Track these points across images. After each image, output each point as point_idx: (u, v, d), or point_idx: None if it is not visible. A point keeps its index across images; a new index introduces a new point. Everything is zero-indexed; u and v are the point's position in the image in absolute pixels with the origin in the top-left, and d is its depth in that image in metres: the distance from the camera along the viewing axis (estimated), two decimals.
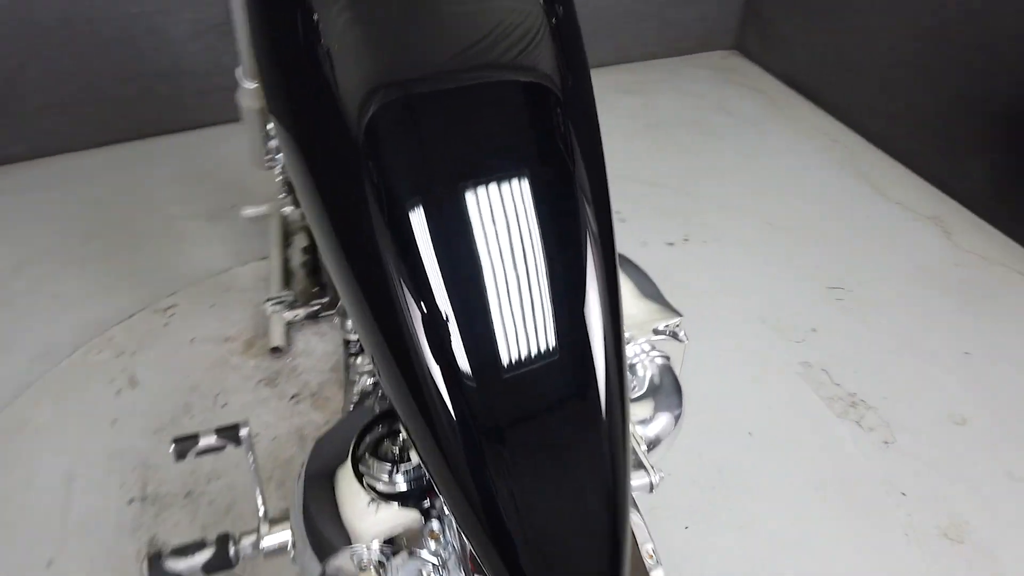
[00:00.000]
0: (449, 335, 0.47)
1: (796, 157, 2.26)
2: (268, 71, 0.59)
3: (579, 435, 0.49)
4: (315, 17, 0.55)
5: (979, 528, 1.29)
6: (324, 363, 1.53)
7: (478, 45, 0.54)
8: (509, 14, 0.56)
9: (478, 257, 0.49)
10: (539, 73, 0.55)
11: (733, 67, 2.75)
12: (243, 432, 0.65)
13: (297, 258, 1.74)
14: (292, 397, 1.45)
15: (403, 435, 0.63)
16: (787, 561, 1.23)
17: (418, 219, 0.49)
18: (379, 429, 0.64)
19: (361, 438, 0.63)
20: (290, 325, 1.58)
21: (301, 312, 1.57)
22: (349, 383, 0.84)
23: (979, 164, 1.98)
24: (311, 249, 1.73)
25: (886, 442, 1.44)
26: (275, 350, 1.52)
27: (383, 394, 0.70)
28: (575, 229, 0.52)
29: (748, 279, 1.81)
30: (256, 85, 1.10)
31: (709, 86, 2.64)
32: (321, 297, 1.60)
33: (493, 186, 0.50)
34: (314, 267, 1.69)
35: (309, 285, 1.67)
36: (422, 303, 0.48)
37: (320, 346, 1.56)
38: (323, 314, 1.60)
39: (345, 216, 0.52)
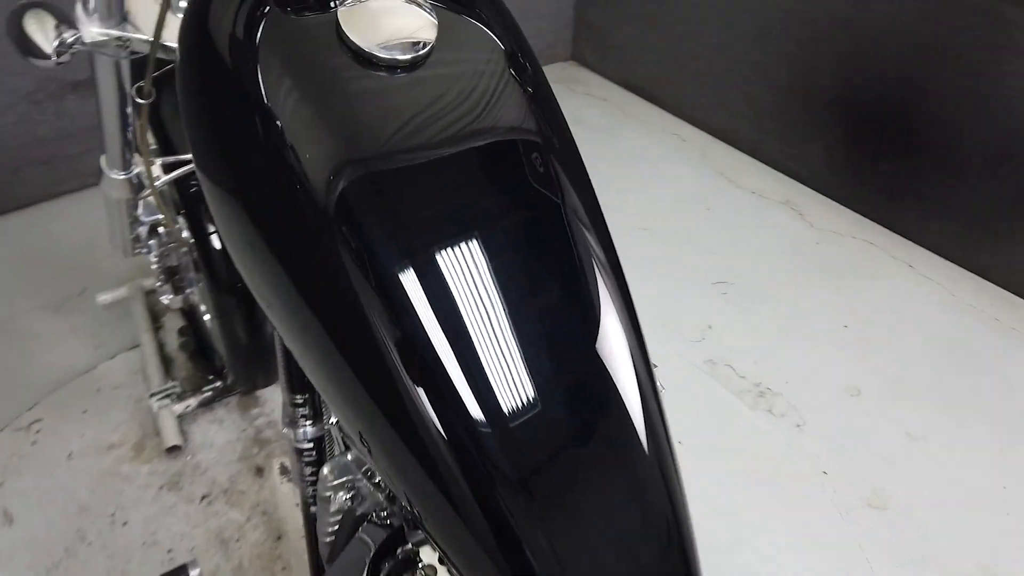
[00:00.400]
0: (481, 412, 0.43)
1: (652, 160, 2.35)
2: (211, 149, 0.52)
3: (635, 478, 0.47)
4: (267, 89, 0.49)
5: (896, 492, 1.39)
6: (229, 453, 1.40)
7: (447, 104, 0.50)
8: (470, 74, 0.52)
9: (487, 310, 0.45)
10: (511, 128, 0.52)
11: (574, 77, 2.82)
12: (194, 574, 0.57)
13: (173, 341, 1.59)
14: (202, 499, 1.31)
15: (426, 558, 0.57)
16: (728, 560, 1.26)
17: (413, 282, 0.44)
18: (393, 557, 0.58)
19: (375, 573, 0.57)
20: (182, 418, 1.43)
21: (192, 402, 1.43)
22: (315, 502, 0.76)
23: (816, 148, 2.15)
24: (189, 329, 1.58)
25: (798, 425, 1.52)
26: (171, 449, 1.37)
27: (385, 509, 0.63)
28: (579, 260, 0.51)
29: (638, 288, 1.84)
30: (124, 176, 0.99)
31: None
32: (211, 381, 1.46)
33: (485, 235, 0.47)
34: (198, 348, 1.54)
35: (194, 369, 1.52)
36: (439, 377, 0.43)
37: (221, 435, 1.43)
38: (218, 400, 1.47)
39: (326, 297, 0.46)
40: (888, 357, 1.67)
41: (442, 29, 0.51)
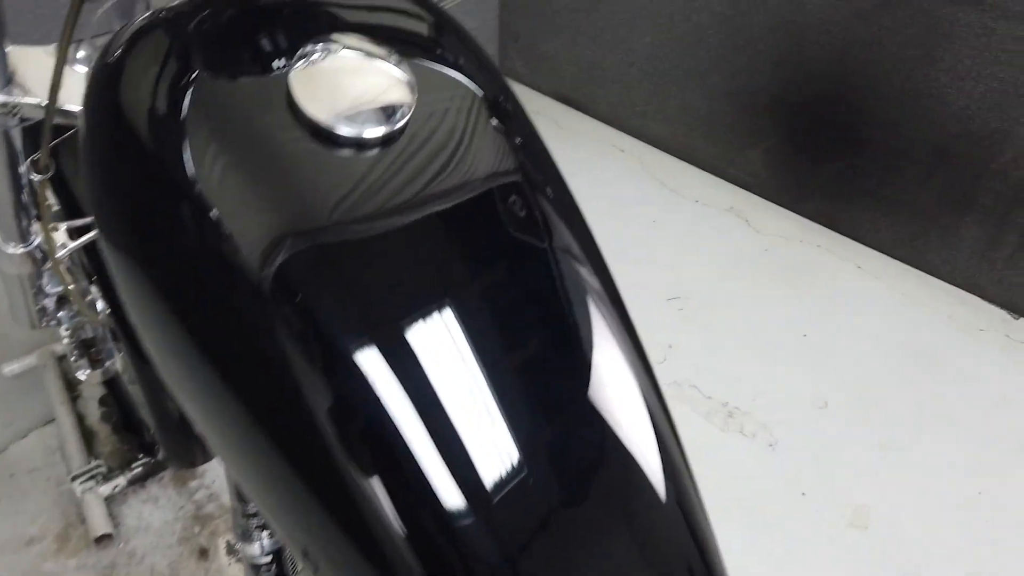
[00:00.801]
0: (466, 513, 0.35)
1: (592, 173, 2.29)
2: (124, 232, 0.43)
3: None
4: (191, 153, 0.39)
5: (877, 507, 1.36)
6: (168, 536, 1.26)
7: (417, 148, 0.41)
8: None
9: (463, 388, 0.38)
10: (503, 189, 0.44)
11: None
12: None
13: (94, 412, 1.43)
14: None
15: None
16: None
17: (373, 368, 0.37)
18: None
19: None
20: (111, 500, 1.28)
21: (121, 481, 1.29)
22: None
23: (756, 152, 2.13)
24: (111, 399, 1.43)
25: (771, 445, 1.47)
26: (101, 539, 1.23)
27: None
28: (568, 310, 0.45)
29: None
30: (24, 249, 0.85)
31: None
32: (141, 455, 1.32)
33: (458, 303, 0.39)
34: (122, 419, 1.39)
35: (120, 444, 1.37)
36: (405, 475, 0.36)
37: (157, 515, 1.29)
38: (151, 477, 1.32)
39: (264, 394, 0.38)
40: (849, 365, 1.64)
41: (418, 88, 0.42)
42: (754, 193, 2.17)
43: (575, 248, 0.48)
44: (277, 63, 0.41)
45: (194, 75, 0.41)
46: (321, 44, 0.41)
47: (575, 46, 2.50)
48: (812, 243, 1.99)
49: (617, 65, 2.39)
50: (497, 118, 0.47)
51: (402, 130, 0.40)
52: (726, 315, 1.77)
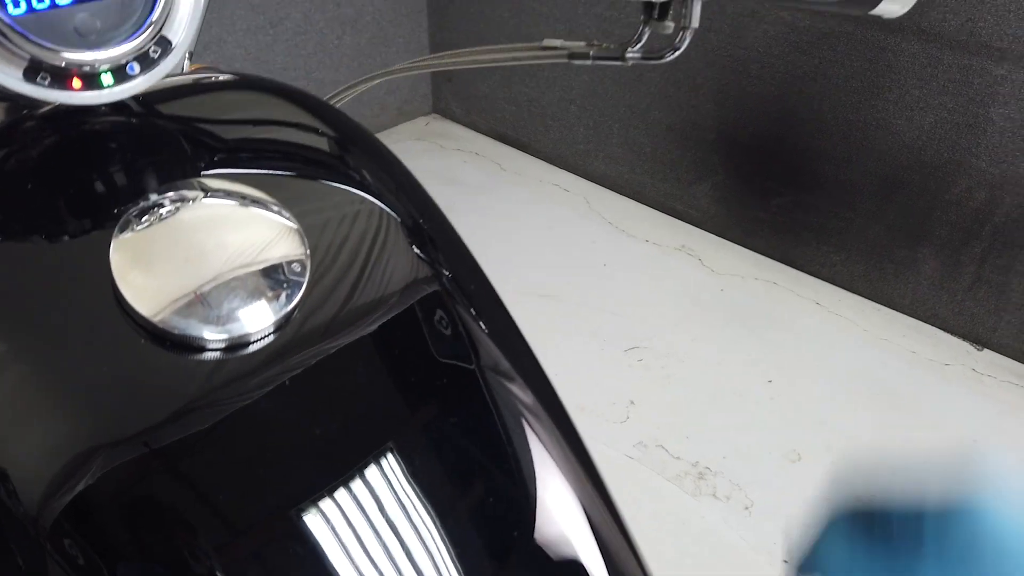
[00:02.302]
0: None
1: (538, 216, 2.20)
2: None
3: None
4: None
5: None
6: None
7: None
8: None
9: None
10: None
11: (441, 132, 2.64)
12: None
13: None
14: None
15: None
16: None
17: None
18: None
19: None
20: None
21: None
22: None
23: (703, 188, 2.07)
24: None
25: (746, 507, 1.38)
26: None
27: None
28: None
29: (546, 364, 1.68)
30: None
31: (425, 158, 2.50)
32: None
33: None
34: None
35: None
36: None
37: None
38: None
39: None
40: (817, 410, 1.57)
41: (312, 244, 0.30)
42: (704, 229, 2.11)
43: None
44: (103, 218, 0.29)
45: None
46: (172, 189, 0.29)
47: (511, 85, 2.41)
48: (768, 280, 1.93)
49: (556, 103, 2.31)
50: (419, 249, 0.35)
51: (288, 317, 0.28)
52: (687, 364, 1.68)
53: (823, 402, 1.59)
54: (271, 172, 0.35)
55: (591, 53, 0.50)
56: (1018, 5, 1.42)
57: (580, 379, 1.64)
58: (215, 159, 0.34)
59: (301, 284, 0.29)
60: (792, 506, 1.38)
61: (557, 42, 0.52)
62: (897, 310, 1.80)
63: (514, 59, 0.55)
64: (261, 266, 0.29)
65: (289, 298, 0.29)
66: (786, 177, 1.88)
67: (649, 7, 0.45)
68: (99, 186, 0.31)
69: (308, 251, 0.30)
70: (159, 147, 0.33)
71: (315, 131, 0.38)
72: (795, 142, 1.82)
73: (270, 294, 0.28)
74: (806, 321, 1.81)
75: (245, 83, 0.38)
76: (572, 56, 0.51)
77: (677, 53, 0.46)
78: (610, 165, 2.26)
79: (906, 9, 0.45)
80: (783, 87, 1.79)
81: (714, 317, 1.82)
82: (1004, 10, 1.43)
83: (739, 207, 2.02)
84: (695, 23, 0.45)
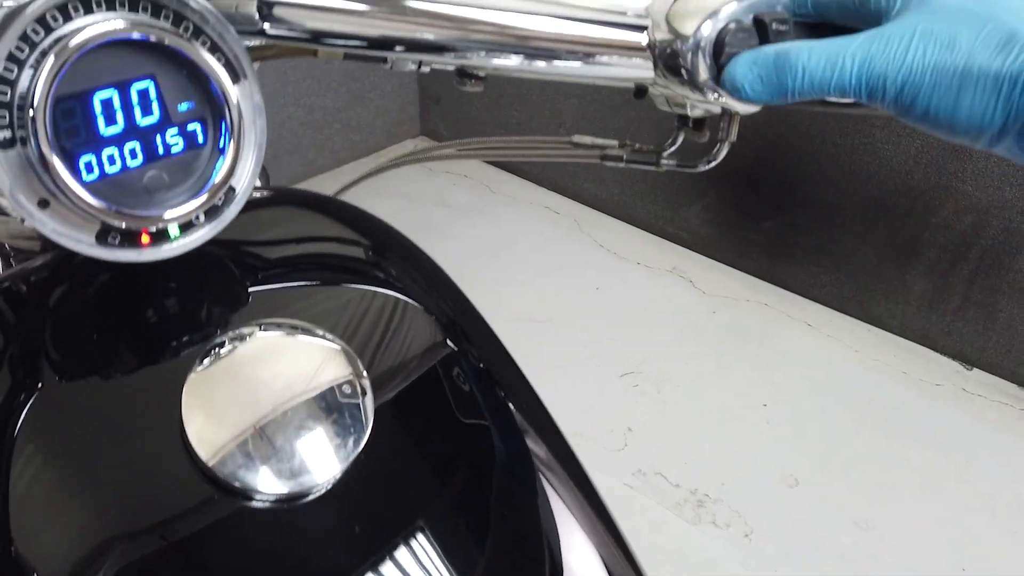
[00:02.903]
0: None
1: (529, 238, 2.21)
2: None
3: None
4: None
5: None
6: None
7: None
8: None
9: None
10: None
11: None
12: None
13: None
14: None
15: None
16: None
17: None
18: None
19: None
20: None
21: None
22: None
23: (693, 210, 2.08)
24: None
25: (746, 535, 1.39)
26: None
27: None
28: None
29: (542, 392, 1.68)
30: None
31: (415, 181, 2.50)
32: None
33: None
34: None
35: None
36: None
37: None
38: None
39: None
40: (812, 434, 1.59)
41: (375, 371, 0.31)
42: (695, 251, 2.12)
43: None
44: (166, 359, 0.29)
45: (40, 378, 0.28)
46: (227, 326, 0.30)
47: (499, 108, 2.42)
48: (759, 302, 1.95)
49: (545, 125, 2.32)
50: (462, 361, 0.36)
51: (352, 461, 0.29)
52: (683, 388, 1.70)
53: (818, 425, 1.60)
54: (317, 291, 0.35)
55: (624, 156, 0.51)
56: None
57: (577, 406, 1.64)
58: (264, 283, 0.34)
59: (363, 418, 0.30)
60: (791, 532, 1.39)
61: (588, 139, 0.53)
62: (888, 330, 1.83)
63: (543, 155, 0.55)
64: (320, 398, 0.29)
65: (354, 439, 0.29)
66: (776, 199, 1.90)
67: (684, 117, 0.45)
68: (157, 325, 0.31)
69: (364, 372, 0.31)
70: (208, 277, 0.34)
71: (353, 243, 0.38)
72: (785, 165, 1.84)
73: (332, 431, 0.29)
74: (798, 343, 1.82)
75: (281, 198, 0.39)
76: (604, 157, 0.52)
77: (712, 164, 0.46)
78: (600, 187, 2.27)
79: None
80: (771, 112, 1.81)
81: (707, 340, 1.84)
82: None
83: (729, 229, 2.04)
84: (733, 137, 0.46)
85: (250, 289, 0.34)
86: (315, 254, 0.38)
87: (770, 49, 0.36)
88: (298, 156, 2.45)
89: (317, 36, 0.33)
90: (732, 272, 2.05)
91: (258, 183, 0.36)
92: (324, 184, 2.50)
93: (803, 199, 1.84)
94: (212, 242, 0.34)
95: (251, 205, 0.36)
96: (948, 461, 1.53)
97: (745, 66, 0.36)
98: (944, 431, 1.59)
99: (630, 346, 1.81)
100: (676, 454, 1.54)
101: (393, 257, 0.39)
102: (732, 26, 0.35)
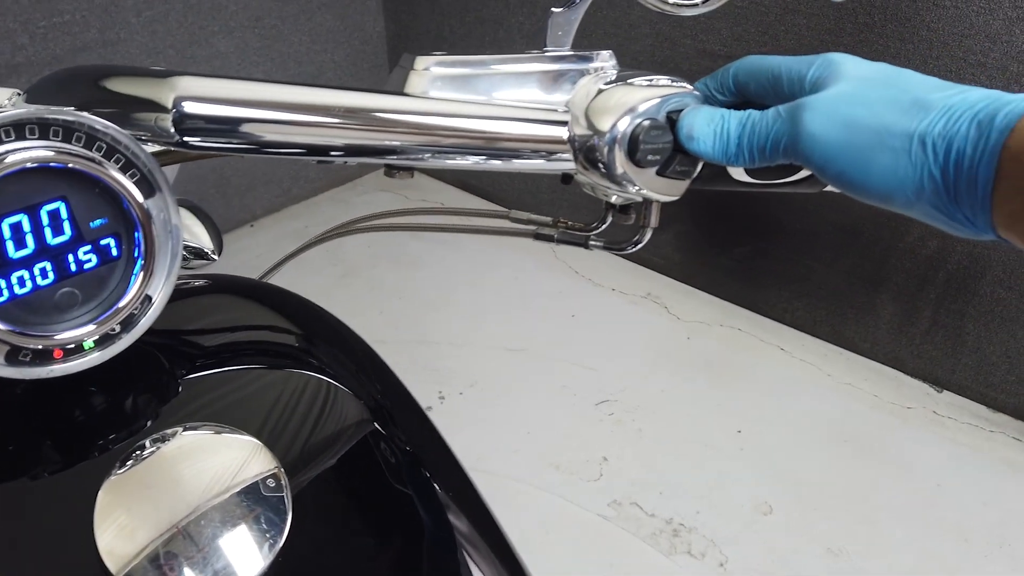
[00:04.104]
0: None
1: (504, 265, 2.21)
2: None
3: None
4: None
5: None
6: None
7: None
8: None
9: None
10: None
11: (405, 183, 2.65)
12: None
13: None
14: None
15: None
16: None
17: None
18: None
19: None
20: None
21: None
22: None
23: (667, 236, 2.10)
24: None
25: (721, 564, 1.39)
26: None
27: None
28: None
29: (519, 421, 1.69)
30: None
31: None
32: None
33: None
34: None
35: None
36: None
37: None
38: None
39: None
40: (786, 460, 1.60)
41: (298, 461, 0.31)
42: (670, 276, 2.14)
43: None
44: (84, 464, 0.30)
45: None
46: (152, 427, 0.30)
47: None
48: (733, 327, 1.96)
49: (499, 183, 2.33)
50: (389, 448, 0.36)
51: (278, 560, 0.29)
52: (658, 416, 1.70)
53: (792, 451, 1.62)
54: (246, 380, 0.35)
55: (555, 236, 0.52)
56: (955, 68, 1.48)
57: (553, 436, 1.65)
58: (194, 373, 0.34)
59: (284, 511, 0.30)
60: (766, 561, 1.40)
61: (524, 215, 0.54)
62: (859, 353, 1.85)
63: (477, 228, 0.56)
64: (239, 495, 0.29)
65: (275, 533, 0.29)
66: (747, 226, 1.92)
67: (610, 203, 0.47)
68: (78, 427, 0.31)
69: (281, 466, 0.31)
70: (135, 371, 0.34)
71: (284, 329, 0.39)
72: (754, 193, 1.86)
73: (253, 528, 0.29)
74: (772, 367, 1.84)
75: (213, 286, 0.39)
76: (538, 235, 0.53)
77: (638, 247, 0.48)
78: (574, 214, 2.29)
79: None
80: None
81: (682, 366, 1.85)
82: (942, 72, 1.49)
83: (702, 255, 2.06)
84: (654, 223, 0.47)
85: (179, 380, 0.35)
86: (246, 342, 0.39)
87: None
88: (274, 186, 2.45)
89: (236, 148, 0.33)
90: (706, 297, 2.07)
91: (195, 266, 0.36)
92: (301, 212, 2.50)
93: (774, 225, 1.87)
94: (146, 332, 0.34)
95: (184, 293, 0.36)
96: (920, 485, 1.54)
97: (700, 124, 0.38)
98: (916, 455, 1.61)
99: (605, 374, 1.82)
100: (652, 483, 1.54)
101: (323, 342, 0.40)
102: (647, 123, 0.36)
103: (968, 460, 1.59)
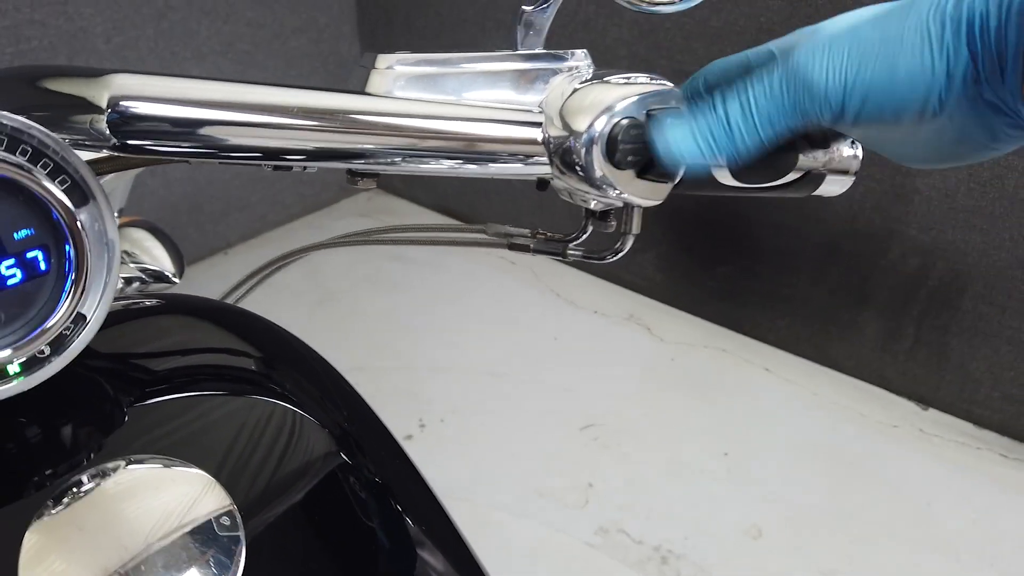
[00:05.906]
0: None
1: (486, 290, 2.19)
2: None
3: None
4: None
5: None
6: None
7: None
8: None
9: None
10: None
11: (384, 207, 2.63)
12: None
13: None
14: None
15: None
16: None
17: None
18: None
19: None
20: None
21: None
22: None
23: (648, 257, 2.09)
24: None
25: None
26: None
27: None
28: None
29: (502, 448, 1.65)
30: None
31: None
32: None
33: None
34: None
35: None
36: None
37: None
38: None
39: None
40: (774, 481, 1.57)
41: (257, 495, 0.28)
42: (652, 298, 2.12)
43: None
44: (9, 504, 0.26)
45: None
46: (91, 463, 0.27)
47: None
48: (717, 347, 1.94)
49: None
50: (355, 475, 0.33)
51: None
52: (643, 440, 1.67)
53: (779, 472, 1.59)
54: (201, 407, 0.32)
55: (531, 246, 0.50)
56: None
57: (537, 462, 1.61)
58: (143, 400, 0.31)
59: (237, 550, 0.27)
60: None
61: (501, 228, 0.52)
62: (844, 372, 1.83)
63: (453, 240, 0.54)
64: (187, 536, 0.26)
65: (228, 574, 0.26)
66: (729, 246, 1.91)
67: (589, 210, 0.44)
68: (5, 461, 0.28)
69: (235, 504, 0.28)
70: (78, 399, 0.31)
71: (244, 353, 0.36)
72: (735, 211, 1.86)
73: (201, 571, 0.26)
74: (757, 388, 1.82)
75: (170, 306, 0.36)
76: (512, 246, 0.50)
77: (618, 256, 0.45)
78: (555, 231, 2.27)
79: (845, 189, 0.46)
80: None
81: (667, 388, 1.82)
82: None
83: (684, 276, 2.04)
84: (636, 229, 0.44)
85: (125, 409, 0.31)
86: (201, 366, 0.36)
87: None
88: (248, 212, 2.42)
89: (181, 152, 0.31)
90: (689, 318, 2.05)
91: (155, 289, 0.33)
92: (276, 238, 2.46)
93: (756, 245, 1.86)
94: (89, 355, 0.31)
95: (135, 314, 0.33)
96: (910, 504, 1.52)
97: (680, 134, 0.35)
98: (904, 473, 1.59)
99: (589, 397, 1.79)
100: (638, 508, 1.51)
101: (285, 366, 0.37)
102: (625, 122, 0.34)
103: (956, 478, 1.58)
